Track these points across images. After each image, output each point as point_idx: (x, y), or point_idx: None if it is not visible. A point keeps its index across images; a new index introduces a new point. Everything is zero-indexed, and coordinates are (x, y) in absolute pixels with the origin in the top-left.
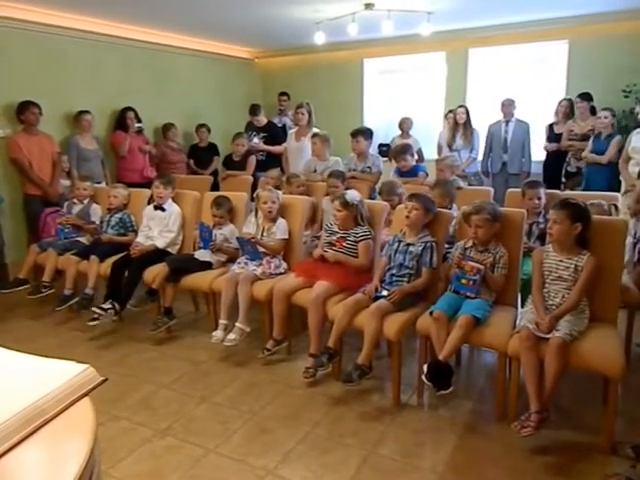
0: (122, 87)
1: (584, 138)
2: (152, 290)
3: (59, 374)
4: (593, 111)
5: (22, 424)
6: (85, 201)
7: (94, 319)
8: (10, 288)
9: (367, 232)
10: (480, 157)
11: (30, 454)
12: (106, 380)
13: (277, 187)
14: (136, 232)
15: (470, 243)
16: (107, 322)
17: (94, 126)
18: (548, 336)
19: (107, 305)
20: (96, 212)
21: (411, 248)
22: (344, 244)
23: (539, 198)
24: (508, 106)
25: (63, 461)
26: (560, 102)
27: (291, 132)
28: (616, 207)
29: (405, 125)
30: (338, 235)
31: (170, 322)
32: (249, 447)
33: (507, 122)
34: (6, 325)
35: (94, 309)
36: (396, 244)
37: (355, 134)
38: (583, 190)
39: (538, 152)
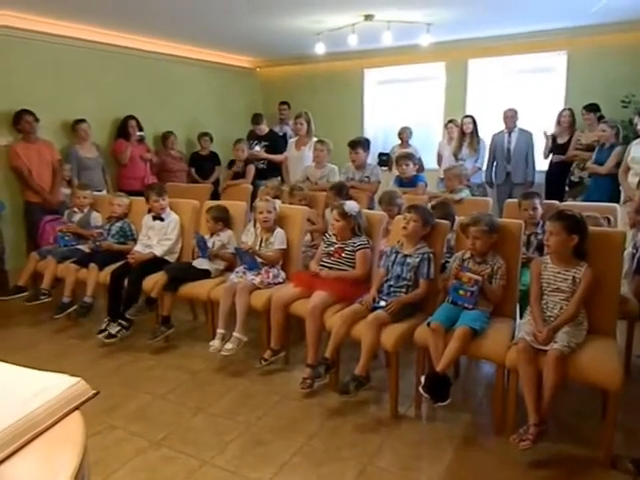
0: (124, 96)
1: (589, 148)
2: (151, 299)
3: (51, 387)
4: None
5: (12, 438)
6: (85, 209)
7: (101, 331)
8: (9, 295)
9: (365, 242)
10: (484, 167)
11: (20, 467)
12: (98, 393)
13: (276, 197)
14: (136, 241)
15: (468, 254)
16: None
17: (91, 134)
18: (546, 348)
19: (116, 328)
20: (96, 220)
21: (408, 260)
22: (342, 255)
23: (534, 209)
24: (511, 117)
25: (52, 474)
26: (562, 112)
27: (291, 141)
28: (609, 220)
29: (404, 134)
30: (336, 246)
31: (168, 331)
32: (244, 459)
33: (510, 132)
34: (5, 332)
35: (103, 338)
36: (393, 255)
37: (354, 145)
38: (584, 200)
39: (540, 162)
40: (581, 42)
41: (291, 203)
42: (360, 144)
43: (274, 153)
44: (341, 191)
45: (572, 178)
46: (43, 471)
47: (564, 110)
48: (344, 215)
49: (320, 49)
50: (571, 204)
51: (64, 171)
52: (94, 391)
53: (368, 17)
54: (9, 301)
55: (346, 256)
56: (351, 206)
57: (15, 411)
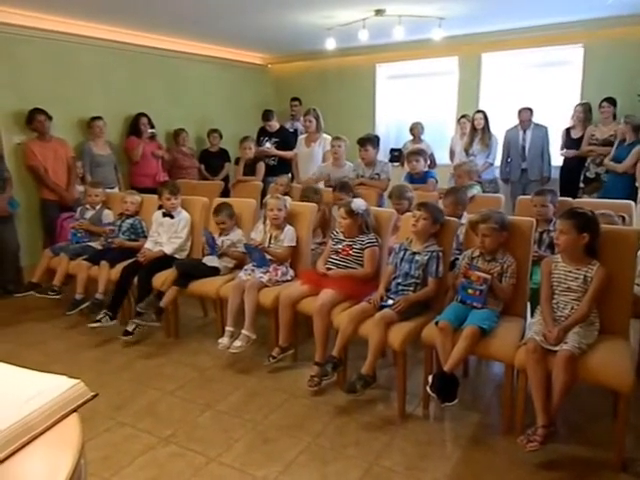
0: (135, 93)
1: (605, 143)
2: (161, 294)
3: (49, 389)
4: (614, 117)
5: (8, 441)
6: (97, 207)
7: (96, 321)
8: (24, 292)
9: (373, 239)
10: (497, 163)
11: (16, 470)
12: (96, 395)
13: (286, 193)
14: (147, 238)
15: (477, 252)
16: (110, 326)
17: (106, 132)
18: (556, 348)
19: (132, 326)
20: (108, 217)
21: (417, 257)
22: (350, 252)
23: (543, 206)
24: (526, 117)
25: (47, 477)
26: (575, 107)
27: (301, 138)
28: (624, 218)
29: (416, 130)
30: (344, 243)
31: (149, 322)
32: (251, 456)
33: (524, 130)
34: (19, 328)
35: (91, 325)
36: (402, 252)
37: (363, 143)
38: (601, 197)
39: (556, 157)
40: (598, 35)
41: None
42: (369, 141)
43: (284, 149)
44: (344, 189)
45: (587, 174)
46: (40, 473)
47: (578, 105)
48: (351, 213)
49: (331, 45)
50: (585, 201)
51: (77, 168)
52: (92, 393)
53: (379, 12)
54: (24, 297)
55: (354, 254)
56: (358, 204)
57: (11, 414)
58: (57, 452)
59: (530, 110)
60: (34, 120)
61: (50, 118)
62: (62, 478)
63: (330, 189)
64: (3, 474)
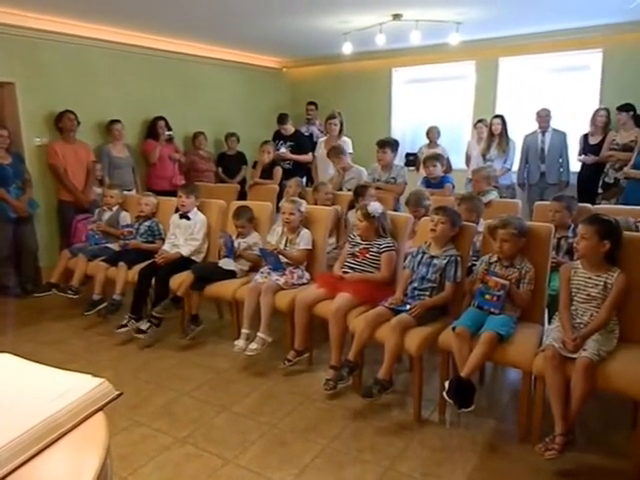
0: (153, 97)
1: (625, 149)
2: (177, 297)
3: (75, 388)
4: (638, 122)
5: (37, 438)
6: (114, 208)
7: (122, 326)
8: (42, 292)
9: (390, 244)
10: (515, 168)
11: (44, 467)
12: (121, 394)
13: (300, 194)
14: (164, 240)
15: (495, 258)
16: (133, 329)
17: (125, 135)
18: (574, 356)
19: (146, 325)
20: (125, 219)
21: (435, 261)
22: (367, 255)
23: (557, 212)
24: (545, 117)
25: (75, 475)
26: (597, 112)
27: (321, 141)
28: None
29: (432, 134)
30: (361, 246)
31: (197, 329)
32: (266, 459)
33: (543, 132)
34: (37, 327)
35: (132, 332)
36: (420, 255)
37: (382, 145)
38: (621, 203)
39: (573, 163)
40: (617, 39)
41: (316, 200)
42: (388, 144)
43: (299, 153)
44: (361, 193)
45: (606, 179)
46: (67, 471)
47: (600, 110)
48: (367, 215)
49: (347, 49)
50: (604, 207)
51: (96, 171)
52: (117, 392)
53: (396, 16)
54: (42, 297)
55: (370, 257)
56: (374, 207)
57: (40, 412)
58: (84, 450)
59: (548, 110)
60: (63, 117)
61: (79, 122)
62: (90, 476)
63: (344, 193)
64: (31, 471)
